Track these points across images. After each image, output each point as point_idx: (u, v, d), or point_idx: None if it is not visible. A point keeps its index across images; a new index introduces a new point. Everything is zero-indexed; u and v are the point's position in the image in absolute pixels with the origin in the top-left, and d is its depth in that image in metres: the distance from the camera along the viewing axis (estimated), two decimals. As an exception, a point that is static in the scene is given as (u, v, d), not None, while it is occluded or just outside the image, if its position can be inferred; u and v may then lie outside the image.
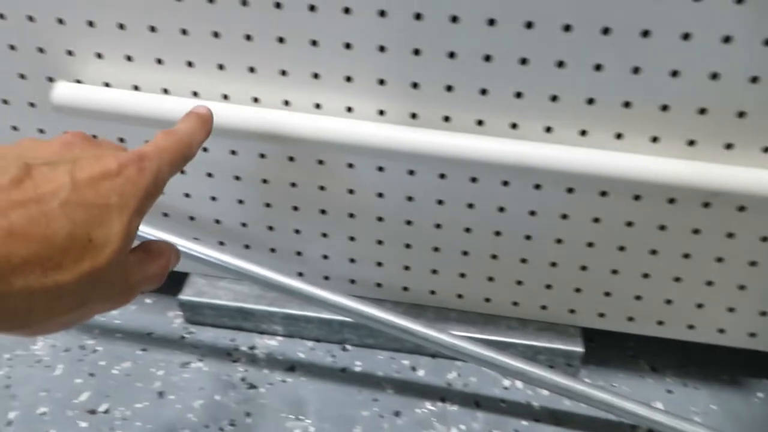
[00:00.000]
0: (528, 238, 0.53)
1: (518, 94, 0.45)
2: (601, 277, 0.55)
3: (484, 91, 0.46)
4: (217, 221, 0.59)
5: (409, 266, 0.59)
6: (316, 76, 0.48)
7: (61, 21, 0.49)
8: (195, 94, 0.51)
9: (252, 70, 0.48)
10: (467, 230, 0.54)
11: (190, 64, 0.49)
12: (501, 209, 0.52)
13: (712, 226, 0.50)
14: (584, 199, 0.50)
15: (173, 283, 0.65)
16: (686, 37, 0.41)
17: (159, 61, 0.50)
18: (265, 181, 0.55)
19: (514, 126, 0.47)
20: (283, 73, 0.48)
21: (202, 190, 0.57)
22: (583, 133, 0.46)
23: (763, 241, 0.50)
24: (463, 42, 0.44)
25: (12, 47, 0.51)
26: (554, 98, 0.45)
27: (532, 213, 0.52)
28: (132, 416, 0.57)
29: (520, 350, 0.59)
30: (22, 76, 0.53)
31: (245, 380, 0.60)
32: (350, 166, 0.52)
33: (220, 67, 0.49)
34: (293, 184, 0.55)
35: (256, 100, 0.50)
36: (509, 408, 0.58)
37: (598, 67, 0.43)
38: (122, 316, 0.66)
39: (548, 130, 0.47)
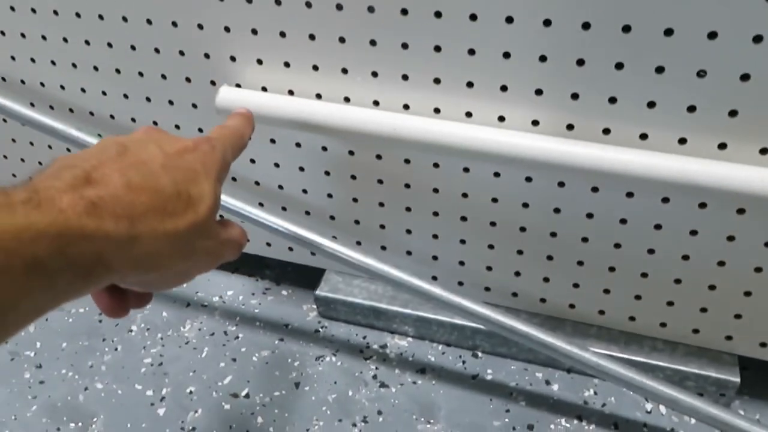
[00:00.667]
0: (685, 258, 0.50)
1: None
2: (766, 305, 0.50)
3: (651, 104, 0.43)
4: (356, 222, 0.60)
5: (548, 278, 0.57)
6: (470, 84, 0.47)
7: (227, 29, 0.51)
8: (347, 99, 0.52)
9: (405, 77, 0.49)
10: (617, 245, 0.52)
11: (344, 71, 0.50)
12: (657, 226, 0.49)
13: None
14: (754, 221, 0.46)
15: (309, 277, 0.68)
16: None
17: (315, 68, 0.51)
18: (407, 185, 0.56)
19: (682, 141, 0.44)
20: (437, 81, 0.48)
21: (343, 193, 0.59)
22: (722, 146, 0.43)
23: None
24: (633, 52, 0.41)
25: (181, 53, 0.55)
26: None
27: (694, 232, 0.48)
28: (270, 403, 0.60)
29: (667, 374, 0.56)
30: (188, 80, 0.56)
31: (377, 378, 0.61)
32: (496, 175, 0.51)
33: (374, 74, 0.49)
34: (435, 190, 0.55)
35: (406, 107, 0.50)
36: (651, 434, 0.55)
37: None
38: (261, 306, 0.70)
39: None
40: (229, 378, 0.63)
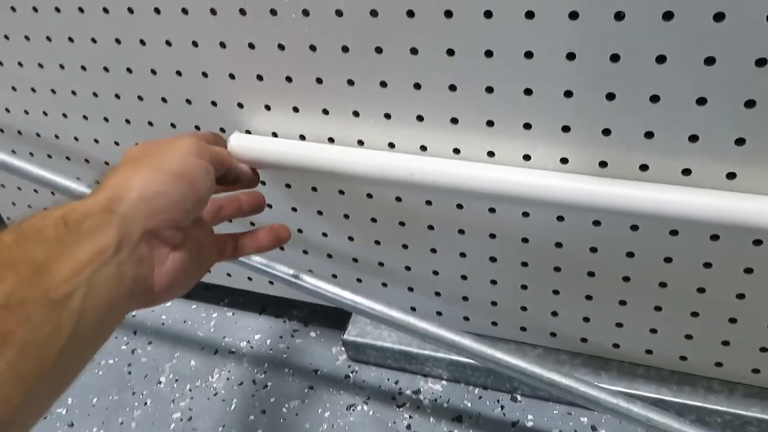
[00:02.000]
0: (740, 296, 0.45)
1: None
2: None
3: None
4: (381, 263, 0.57)
5: (588, 318, 0.53)
6: (490, 123, 0.43)
7: (232, 76, 0.49)
8: (360, 142, 0.49)
9: (420, 118, 0.45)
10: (662, 284, 0.47)
11: (356, 113, 0.47)
12: (707, 264, 0.45)
13: None
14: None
15: (338, 317, 0.65)
16: None
17: (325, 112, 0.48)
18: (430, 227, 0.52)
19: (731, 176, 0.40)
20: (454, 121, 0.44)
21: (364, 236, 0.56)
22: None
23: None
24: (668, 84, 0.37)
25: (188, 101, 0.53)
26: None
27: (748, 270, 0.44)
28: (301, 457, 0.58)
29: (726, 419, 0.51)
30: (197, 128, 0.54)
31: (410, 428, 0.58)
32: (525, 215, 0.48)
33: (387, 116, 0.46)
34: (461, 231, 0.51)
35: (423, 148, 0.47)
36: (713, 487, 0.50)
37: None
38: (289, 350, 0.67)
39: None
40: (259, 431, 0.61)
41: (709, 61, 0.35)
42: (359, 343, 0.62)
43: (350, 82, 0.46)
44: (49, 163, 0.63)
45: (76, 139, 0.61)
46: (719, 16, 0.34)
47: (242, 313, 0.73)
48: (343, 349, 0.65)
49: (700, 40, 0.35)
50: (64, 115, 0.59)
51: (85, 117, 0.58)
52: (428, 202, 0.50)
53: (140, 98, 0.54)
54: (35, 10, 0.52)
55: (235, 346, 0.69)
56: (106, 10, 0.49)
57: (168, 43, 0.49)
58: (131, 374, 0.68)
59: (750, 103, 0.36)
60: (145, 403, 0.65)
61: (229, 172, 0.43)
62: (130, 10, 0.48)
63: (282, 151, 0.50)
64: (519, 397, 0.59)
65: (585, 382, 0.46)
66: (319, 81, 0.46)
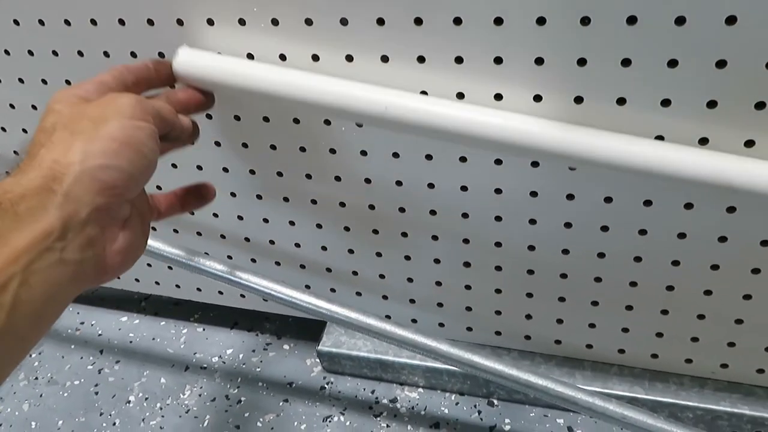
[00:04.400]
0: (708, 293, 0.47)
1: (701, 139, 0.39)
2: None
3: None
4: (354, 272, 0.57)
5: (562, 319, 0.53)
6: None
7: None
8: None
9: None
10: (633, 284, 0.48)
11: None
12: (675, 262, 0.46)
13: None
14: (781, 251, 0.43)
15: (311, 328, 0.65)
16: None
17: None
18: (404, 234, 0.52)
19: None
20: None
21: (338, 245, 0.55)
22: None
23: None
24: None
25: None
26: None
27: (714, 267, 0.45)
28: (278, 472, 0.57)
29: (697, 414, 0.52)
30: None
31: (389, 437, 0.58)
32: (498, 219, 0.48)
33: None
34: (435, 237, 0.51)
35: (396, 155, 0.47)
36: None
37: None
38: (263, 364, 0.66)
39: None
40: (233, 447, 0.60)
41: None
42: (334, 354, 0.62)
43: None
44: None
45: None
46: None
47: (213, 328, 0.72)
48: (317, 360, 0.65)
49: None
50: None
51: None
52: (402, 209, 0.50)
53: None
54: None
55: (206, 361, 0.68)
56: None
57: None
58: (98, 395, 0.66)
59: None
60: (114, 424, 0.63)
61: (173, 130, 0.38)
62: None
63: (238, 68, 0.43)
64: (496, 402, 0.59)
65: (561, 383, 0.46)
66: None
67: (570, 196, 0.45)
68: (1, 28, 0.51)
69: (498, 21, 0.38)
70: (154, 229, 0.51)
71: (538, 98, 0.40)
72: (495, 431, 0.57)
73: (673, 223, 0.44)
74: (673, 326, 0.50)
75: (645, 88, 0.38)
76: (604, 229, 0.46)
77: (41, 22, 0.49)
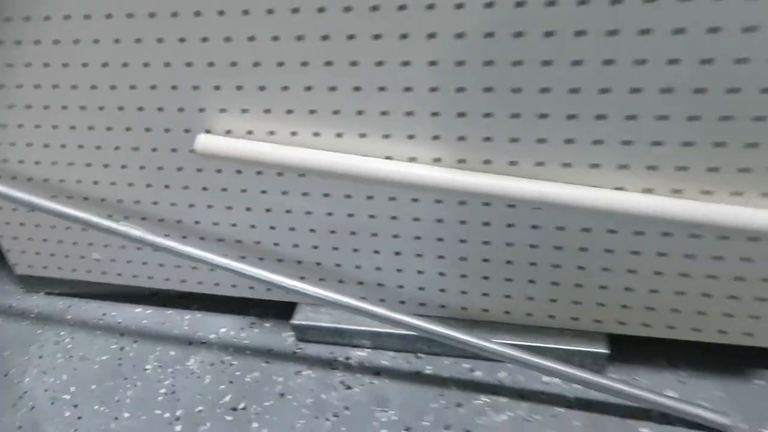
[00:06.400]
0: (556, 266, 0.70)
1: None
2: (617, 292, 0.70)
3: None
4: (318, 263, 0.79)
5: (466, 291, 0.76)
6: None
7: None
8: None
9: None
10: (508, 262, 0.71)
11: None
12: (533, 246, 0.69)
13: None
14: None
15: (286, 311, 0.86)
16: None
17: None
18: (353, 233, 0.74)
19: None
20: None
21: (307, 242, 0.77)
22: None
23: None
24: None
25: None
26: None
27: (583, 249, 0.68)
28: (262, 411, 0.77)
29: (558, 354, 0.74)
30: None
31: (343, 383, 0.79)
32: (417, 238, 0.71)
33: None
34: (374, 234, 0.74)
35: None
36: (548, 399, 0.73)
37: None
38: (249, 338, 0.87)
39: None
40: (228, 396, 0.80)
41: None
42: (303, 326, 0.83)
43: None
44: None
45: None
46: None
47: (210, 313, 0.92)
48: (291, 333, 0.86)
49: None
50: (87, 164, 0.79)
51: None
52: (350, 215, 0.73)
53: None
54: None
55: (205, 338, 0.88)
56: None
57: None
58: (122, 366, 0.86)
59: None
60: (136, 385, 0.83)
61: None
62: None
63: (239, 145, 0.71)
64: (421, 355, 0.81)
65: (472, 336, 0.69)
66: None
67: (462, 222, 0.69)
68: (67, 150, 0.73)
69: (409, 114, 0.61)
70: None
71: (437, 159, 0.63)
72: (419, 375, 0.79)
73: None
74: (541, 291, 0.73)
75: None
76: (486, 224, 0.68)
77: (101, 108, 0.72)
